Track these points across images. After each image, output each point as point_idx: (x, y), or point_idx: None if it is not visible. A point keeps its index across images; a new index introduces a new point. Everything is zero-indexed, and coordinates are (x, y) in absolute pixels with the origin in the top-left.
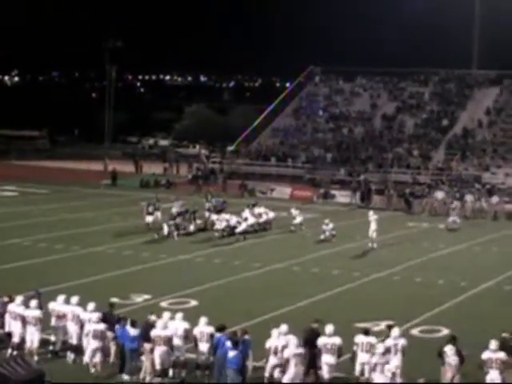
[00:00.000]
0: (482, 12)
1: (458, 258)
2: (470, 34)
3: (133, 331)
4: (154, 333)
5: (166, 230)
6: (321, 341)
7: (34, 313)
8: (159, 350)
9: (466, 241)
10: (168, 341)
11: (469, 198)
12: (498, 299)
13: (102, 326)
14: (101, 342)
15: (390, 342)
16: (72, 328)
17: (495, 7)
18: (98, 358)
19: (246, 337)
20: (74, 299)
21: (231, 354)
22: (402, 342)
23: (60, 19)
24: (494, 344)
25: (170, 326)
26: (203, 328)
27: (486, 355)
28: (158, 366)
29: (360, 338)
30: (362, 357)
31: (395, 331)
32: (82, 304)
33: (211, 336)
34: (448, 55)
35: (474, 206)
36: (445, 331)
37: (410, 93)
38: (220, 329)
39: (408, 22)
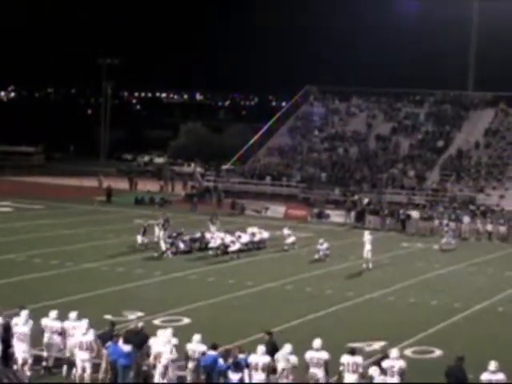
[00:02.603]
0: (478, 34)
1: (452, 278)
2: (467, 56)
3: (126, 348)
4: (155, 349)
5: (163, 246)
6: (308, 355)
7: (22, 329)
8: (160, 368)
9: (461, 262)
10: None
11: (465, 219)
12: (491, 320)
13: (90, 337)
14: (89, 354)
15: (386, 363)
16: (69, 342)
17: (492, 29)
18: (87, 370)
19: (241, 355)
20: (73, 315)
21: (233, 376)
22: (399, 364)
23: (57, 36)
24: (493, 365)
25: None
26: (196, 346)
27: (485, 377)
28: (156, 381)
29: (346, 358)
30: (348, 377)
31: (393, 352)
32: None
33: (203, 354)
34: (444, 76)
35: (469, 227)
36: (438, 352)
37: (405, 113)
38: (213, 347)
39: (404, 43)
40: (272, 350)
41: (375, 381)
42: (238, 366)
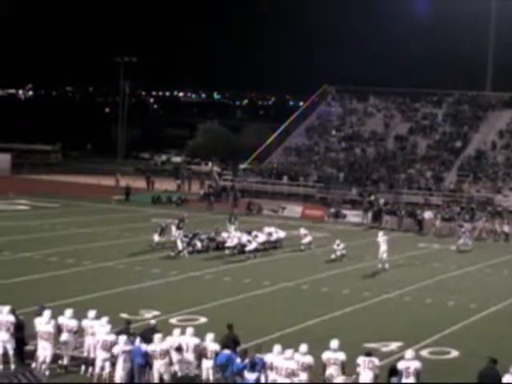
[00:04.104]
0: (496, 34)
1: (469, 279)
2: (485, 56)
3: (144, 347)
4: (150, 347)
5: (180, 246)
6: (325, 355)
7: (46, 328)
8: (157, 364)
9: (477, 263)
10: (166, 354)
11: (482, 220)
12: (507, 321)
13: (112, 338)
14: (109, 354)
15: (401, 364)
16: (87, 341)
17: (510, 30)
18: (106, 369)
19: (259, 355)
20: (92, 313)
21: (249, 376)
22: (415, 364)
23: (75, 34)
24: (409, 353)
25: (168, 340)
26: (209, 344)
27: (507, 379)
28: (155, 380)
29: (362, 359)
30: (364, 375)
31: (408, 353)
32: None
33: (216, 353)
34: (462, 77)
35: (486, 228)
36: (454, 353)
37: (423, 114)
38: (228, 346)
39: (423, 43)
40: (234, 344)
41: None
42: (255, 366)
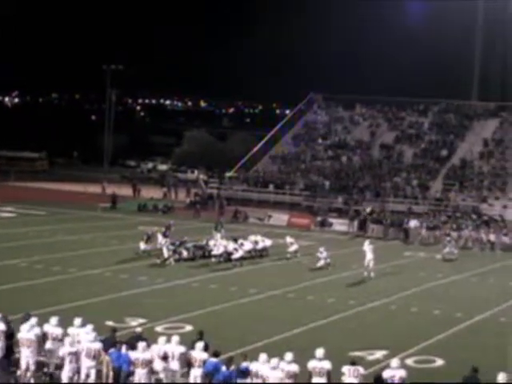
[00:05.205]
0: (483, 44)
1: (455, 288)
2: (471, 66)
3: (131, 354)
4: (134, 355)
5: (166, 253)
6: (311, 364)
7: (27, 335)
8: (139, 373)
9: (463, 271)
10: (148, 363)
11: (468, 229)
12: (493, 331)
13: (98, 345)
14: (94, 362)
15: (387, 373)
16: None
17: (496, 39)
18: (92, 377)
19: (245, 363)
20: (77, 321)
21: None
22: (400, 373)
23: (61, 41)
24: (501, 376)
25: (154, 348)
26: (198, 354)
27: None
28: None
29: (347, 368)
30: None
31: (394, 362)
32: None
33: (204, 362)
34: (448, 86)
35: (472, 237)
36: (439, 362)
37: (409, 122)
38: (215, 354)
39: (409, 52)
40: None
41: None
42: (245, 373)
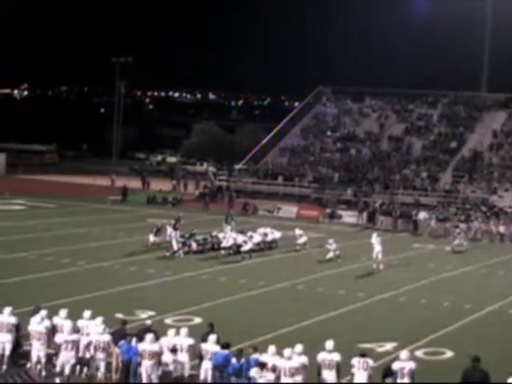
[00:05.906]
0: (492, 35)
1: (464, 280)
2: (480, 57)
3: (140, 346)
4: (141, 347)
5: (175, 246)
6: (320, 356)
7: (37, 328)
8: (146, 365)
9: (472, 263)
10: (155, 355)
11: (478, 220)
12: (502, 322)
13: (107, 337)
14: (104, 354)
15: (396, 365)
16: (82, 341)
17: (506, 31)
18: (101, 370)
19: (254, 355)
20: (87, 313)
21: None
22: (410, 365)
23: (71, 34)
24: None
25: (162, 341)
26: (210, 346)
27: None
28: (144, 380)
29: (357, 360)
30: (359, 374)
31: (403, 354)
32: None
33: (215, 354)
34: (457, 77)
35: (481, 229)
36: (449, 353)
37: (418, 114)
38: (225, 346)
39: (418, 44)
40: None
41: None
42: (261, 365)
